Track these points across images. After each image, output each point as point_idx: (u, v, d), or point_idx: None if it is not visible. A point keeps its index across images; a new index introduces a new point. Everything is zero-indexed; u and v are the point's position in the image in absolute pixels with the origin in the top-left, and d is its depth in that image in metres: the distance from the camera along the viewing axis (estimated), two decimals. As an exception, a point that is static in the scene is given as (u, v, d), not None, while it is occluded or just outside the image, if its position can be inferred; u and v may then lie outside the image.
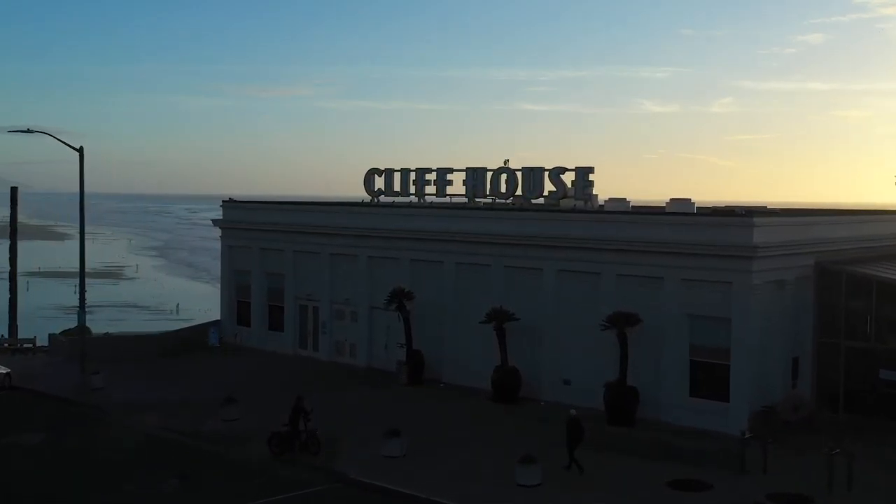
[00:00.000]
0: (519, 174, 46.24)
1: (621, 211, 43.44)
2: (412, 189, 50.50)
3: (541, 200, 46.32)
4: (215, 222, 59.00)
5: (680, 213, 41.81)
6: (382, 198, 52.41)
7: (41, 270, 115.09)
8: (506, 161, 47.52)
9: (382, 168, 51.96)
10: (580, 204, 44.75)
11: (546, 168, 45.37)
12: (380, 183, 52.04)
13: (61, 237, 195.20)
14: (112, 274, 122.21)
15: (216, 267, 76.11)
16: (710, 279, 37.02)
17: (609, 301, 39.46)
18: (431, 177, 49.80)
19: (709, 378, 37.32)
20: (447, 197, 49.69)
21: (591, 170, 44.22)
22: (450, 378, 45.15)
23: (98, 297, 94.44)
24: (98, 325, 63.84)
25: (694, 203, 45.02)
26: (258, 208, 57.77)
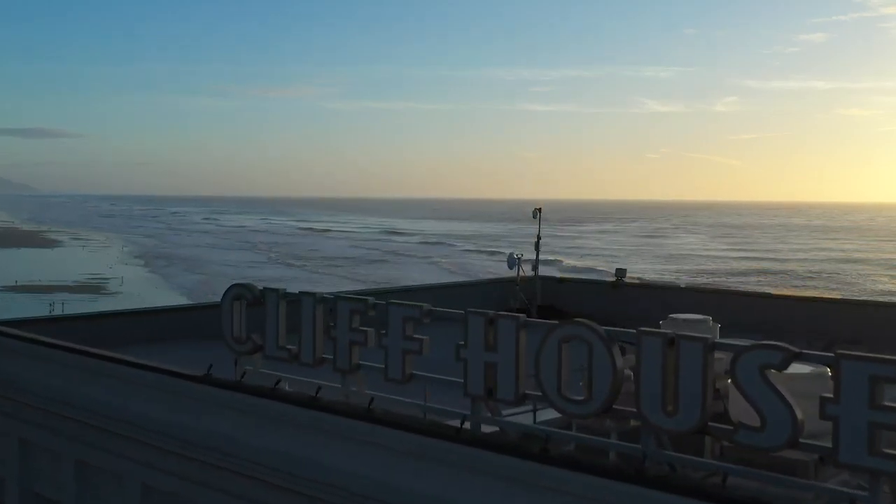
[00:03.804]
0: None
1: None
2: (319, 346, 15.76)
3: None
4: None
5: None
6: (261, 365, 18.44)
7: (18, 284, 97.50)
8: (536, 211, 24.75)
9: (259, 286, 17.38)
10: None
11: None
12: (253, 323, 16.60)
13: (51, 244, 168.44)
14: (93, 288, 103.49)
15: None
16: None
17: None
18: (367, 323, 14.18)
19: None
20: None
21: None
22: None
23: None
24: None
25: None
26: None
